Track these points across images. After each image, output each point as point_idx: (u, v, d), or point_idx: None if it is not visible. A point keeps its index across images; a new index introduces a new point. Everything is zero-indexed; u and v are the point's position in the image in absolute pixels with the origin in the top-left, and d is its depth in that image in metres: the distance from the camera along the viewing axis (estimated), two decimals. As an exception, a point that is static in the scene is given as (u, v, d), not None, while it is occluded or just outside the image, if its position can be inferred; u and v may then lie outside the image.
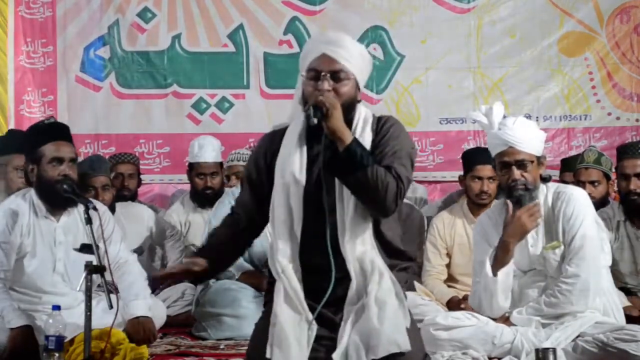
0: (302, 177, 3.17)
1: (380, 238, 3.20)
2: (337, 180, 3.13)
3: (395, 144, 3.16)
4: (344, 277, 3.13)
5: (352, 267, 3.12)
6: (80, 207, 4.35)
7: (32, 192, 4.38)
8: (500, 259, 4.10)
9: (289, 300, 3.13)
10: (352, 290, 3.13)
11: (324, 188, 3.13)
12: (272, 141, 3.31)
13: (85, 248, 3.89)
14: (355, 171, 3.01)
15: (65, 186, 4.22)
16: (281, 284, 3.16)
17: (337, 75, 3.14)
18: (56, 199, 4.30)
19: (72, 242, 4.28)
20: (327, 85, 3.12)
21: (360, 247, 3.14)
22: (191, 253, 3.48)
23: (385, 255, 3.20)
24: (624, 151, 5.25)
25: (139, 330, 4.39)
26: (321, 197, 3.15)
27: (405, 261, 3.31)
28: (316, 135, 3.19)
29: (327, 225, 3.11)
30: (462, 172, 5.56)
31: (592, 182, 5.52)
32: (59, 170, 4.26)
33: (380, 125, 3.23)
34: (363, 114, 3.23)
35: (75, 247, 3.97)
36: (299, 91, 3.26)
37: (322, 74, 3.13)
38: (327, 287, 3.09)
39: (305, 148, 3.20)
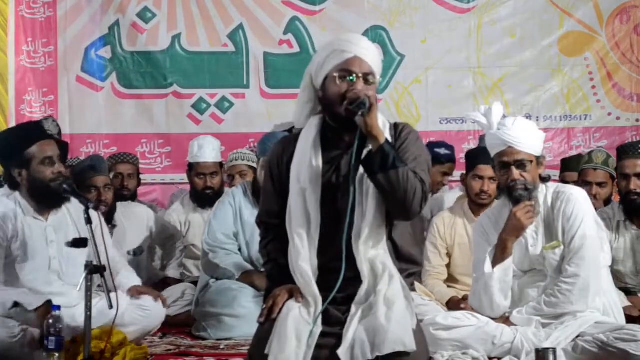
0: (319, 181, 3.20)
1: (392, 243, 3.24)
2: (357, 184, 3.16)
3: (415, 151, 3.23)
4: (356, 277, 3.16)
5: (365, 268, 3.15)
6: (71, 204, 4.35)
7: (16, 194, 4.36)
8: (498, 257, 4.12)
9: (304, 302, 3.16)
10: (361, 291, 3.15)
11: (351, 187, 3.15)
12: (285, 147, 3.34)
13: (77, 242, 3.89)
14: (388, 170, 3.06)
15: (65, 186, 4.22)
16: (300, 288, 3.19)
17: (367, 78, 3.20)
18: (50, 198, 4.31)
19: (63, 239, 4.25)
20: (361, 86, 3.17)
21: (372, 251, 3.18)
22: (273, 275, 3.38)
23: (396, 259, 3.23)
24: (624, 151, 5.25)
25: (146, 289, 4.65)
26: (337, 200, 3.19)
27: (414, 266, 3.33)
28: (331, 140, 3.25)
29: (344, 228, 3.13)
30: (462, 172, 5.56)
31: (599, 184, 5.52)
32: (52, 169, 4.26)
33: (399, 131, 3.28)
34: (380, 119, 3.25)
35: (67, 243, 3.98)
36: (311, 92, 3.28)
37: (357, 75, 3.18)
38: (348, 288, 3.12)
39: (320, 152, 3.23)
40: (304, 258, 3.19)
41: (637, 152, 5.15)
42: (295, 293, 3.20)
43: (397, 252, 3.25)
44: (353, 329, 3.07)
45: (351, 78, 3.17)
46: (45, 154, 4.28)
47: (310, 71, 3.28)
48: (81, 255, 4.24)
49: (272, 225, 3.36)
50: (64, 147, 4.51)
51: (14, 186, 4.36)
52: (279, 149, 3.37)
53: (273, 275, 3.34)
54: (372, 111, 3.10)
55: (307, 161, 3.21)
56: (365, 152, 3.15)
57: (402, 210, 3.15)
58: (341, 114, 3.16)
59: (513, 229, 4.10)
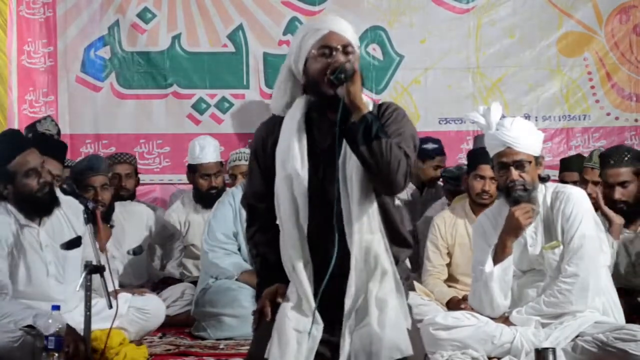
0: (305, 167, 3.14)
1: (388, 225, 3.16)
2: (340, 166, 3.11)
3: (399, 127, 3.16)
4: (347, 274, 3.09)
5: (354, 259, 3.08)
6: (64, 206, 4.33)
7: (7, 205, 4.29)
8: (498, 256, 4.12)
9: (297, 301, 3.12)
10: (351, 284, 3.08)
11: (337, 160, 3.10)
12: (270, 130, 3.28)
13: (71, 244, 3.88)
14: (371, 141, 2.99)
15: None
16: (293, 285, 3.15)
17: (346, 49, 3.16)
18: (40, 207, 4.28)
19: (59, 242, 4.19)
20: (342, 57, 3.13)
21: (367, 236, 3.10)
22: (262, 272, 3.30)
23: (392, 243, 3.16)
24: (608, 158, 5.18)
25: None
26: (325, 186, 3.13)
27: (407, 249, 3.27)
28: (316, 121, 3.19)
29: (332, 213, 3.08)
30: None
31: (595, 182, 5.51)
32: (37, 179, 4.21)
33: (383, 110, 3.22)
34: (363, 98, 3.19)
35: (61, 245, 3.96)
36: (287, 85, 3.24)
37: (336, 48, 3.14)
38: (336, 285, 3.06)
39: (305, 137, 3.17)
40: (294, 247, 3.14)
41: (621, 161, 5.12)
42: (278, 294, 3.17)
43: (393, 234, 3.17)
44: (349, 339, 3.04)
45: (332, 55, 3.13)
46: (28, 166, 4.21)
47: (288, 63, 3.24)
48: (78, 255, 4.26)
49: (257, 209, 3.31)
50: (59, 146, 4.47)
51: (3, 197, 4.30)
52: (264, 131, 3.31)
53: (262, 273, 3.30)
54: (354, 78, 3.05)
55: (291, 147, 3.15)
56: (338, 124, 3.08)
57: (385, 184, 3.06)
58: (325, 91, 3.11)
59: (511, 229, 4.11)
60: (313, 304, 3.08)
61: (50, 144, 5.45)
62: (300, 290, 3.12)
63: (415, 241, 5.52)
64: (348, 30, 3.20)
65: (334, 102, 3.10)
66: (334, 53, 3.13)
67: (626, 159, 5.10)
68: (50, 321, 3.73)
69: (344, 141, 3.07)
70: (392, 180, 3.03)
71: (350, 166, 3.10)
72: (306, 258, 3.15)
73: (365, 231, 3.10)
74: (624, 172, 5.07)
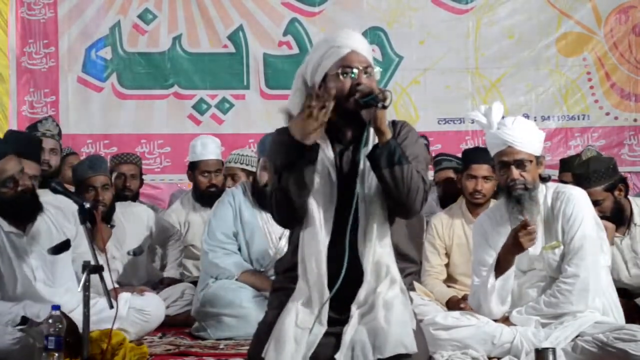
0: (332, 171, 3.17)
1: (394, 243, 3.22)
2: (359, 180, 3.14)
3: (414, 150, 3.21)
4: (357, 278, 3.13)
5: (369, 269, 3.13)
6: (49, 211, 4.31)
7: None
8: (501, 269, 4.09)
9: (306, 303, 3.13)
10: (361, 292, 3.13)
11: (358, 185, 3.13)
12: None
13: (58, 249, 3.87)
14: (393, 166, 3.06)
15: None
16: (305, 286, 3.16)
17: (366, 71, 3.18)
18: (21, 214, 4.24)
19: (46, 246, 4.14)
20: (364, 79, 3.15)
21: (379, 249, 3.16)
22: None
23: (397, 258, 3.22)
24: (580, 180, 5.19)
25: None
26: (341, 197, 3.16)
27: (412, 265, 3.33)
28: (334, 135, 3.21)
29: (347, 224, 3.11)
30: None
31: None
32: (16, 187, 4.17)
33: (398, 129, 3.26)
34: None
35: (49, 250, 3.94)
36: (302, 94, 3.22)
37: (358, 69, 3.15)
38: (346, 290, 3.09)
39: (329, 143, 3.20)
40: (323, 244, 3.14)
41: (589, 181, 5.11)
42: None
43: (396, 251, 3.23)
44: (352, 331, 3.06)
45: (353, 73, 3.14)
46: (5, 175, 4.17)
47: (304, 72, 3.24)
48: (68, 256, 4.24)
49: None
50: (32, 144, 4.40)
51: None
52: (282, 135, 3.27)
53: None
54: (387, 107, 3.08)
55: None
56: (364, 147, 3.13)
57: (403, 208, 3.14)
58: (348, 109, 3.13)
59: (514, 249, 4.05)
60: (323, 318, 3.09)
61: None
62: (316, 300, 3.12)
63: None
64: (367, 50, 3.23)
65: (353, 118, 3.14)
66: (356, 74, 3.15)
67: (594, 179, 5.13)
68: (50, 321, 3.73)
69: (365, 160, 3.13)
70: (410, 205, 3.13)
71: (370, 181, 3.16)
72: (324, 264, 3.14)
73: (378, 245, 3.16)
74: (595, 192, 5.07)
